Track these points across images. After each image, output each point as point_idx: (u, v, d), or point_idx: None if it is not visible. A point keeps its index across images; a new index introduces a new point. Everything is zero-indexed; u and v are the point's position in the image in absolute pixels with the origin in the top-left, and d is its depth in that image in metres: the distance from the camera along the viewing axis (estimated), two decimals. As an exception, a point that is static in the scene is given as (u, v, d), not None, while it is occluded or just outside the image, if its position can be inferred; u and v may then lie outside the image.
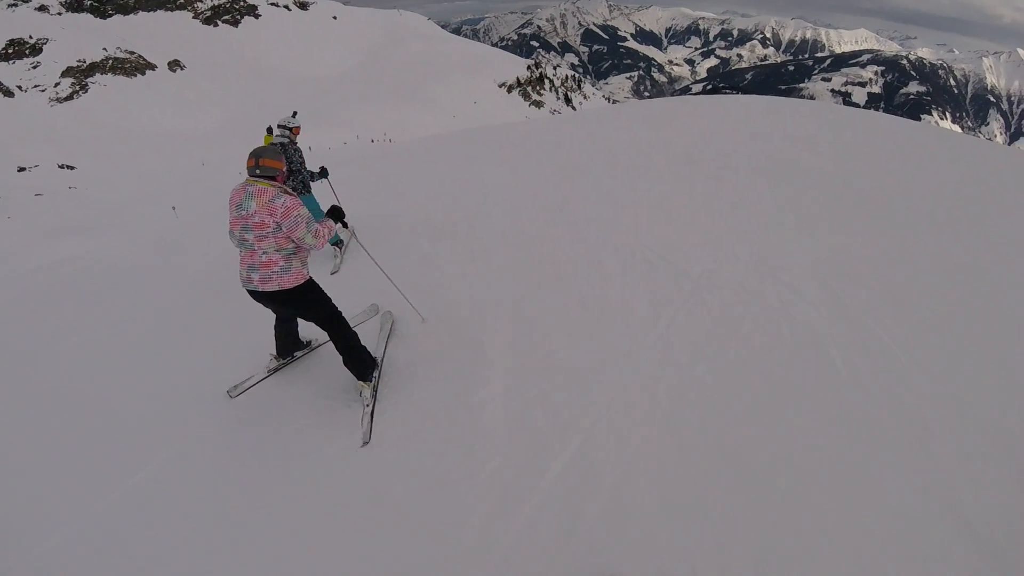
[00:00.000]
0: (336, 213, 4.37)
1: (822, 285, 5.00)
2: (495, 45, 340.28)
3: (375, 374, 4.32)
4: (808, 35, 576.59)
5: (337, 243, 7.32)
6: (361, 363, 4.19)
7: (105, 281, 7.50)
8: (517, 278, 5.59)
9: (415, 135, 79.39)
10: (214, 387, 4.49)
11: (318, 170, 7.20)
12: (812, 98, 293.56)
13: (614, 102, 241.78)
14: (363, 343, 4.28)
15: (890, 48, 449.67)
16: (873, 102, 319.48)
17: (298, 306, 4.03)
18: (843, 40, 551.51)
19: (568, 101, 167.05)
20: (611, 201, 7.66)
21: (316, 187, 8.06)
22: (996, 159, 12.55)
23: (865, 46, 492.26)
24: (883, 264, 5.47)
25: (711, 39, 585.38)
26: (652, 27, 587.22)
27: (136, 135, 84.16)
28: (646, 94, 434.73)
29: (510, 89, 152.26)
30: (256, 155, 3.72)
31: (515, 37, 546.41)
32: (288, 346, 4.66)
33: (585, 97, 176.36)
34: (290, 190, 3.87)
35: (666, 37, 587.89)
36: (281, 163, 3.79)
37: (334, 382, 4.39)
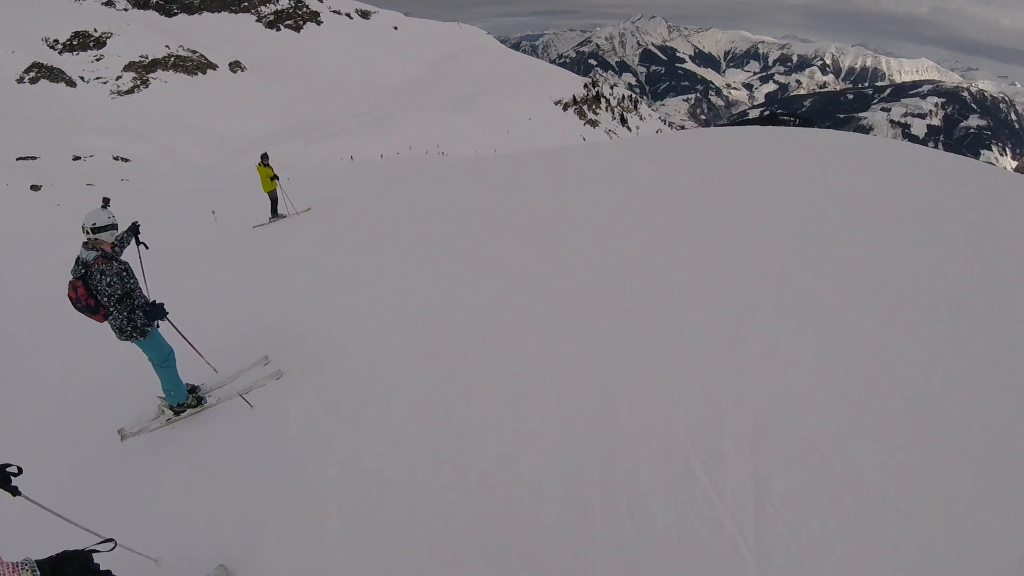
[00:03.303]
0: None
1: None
2: (553, 62, 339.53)
3: None
4: (868, 63, 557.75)
5: (194, 402, 4.93)
6: None
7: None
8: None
9: (467, 148, 78.58)
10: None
11: (127, 229, 4.94)
12: (870, 128, 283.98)
13: (671, 124, 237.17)
14: None
15: (951, 79, 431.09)
16: (932, 135, 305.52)
17: None
18: (904, 69, 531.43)
19: (624, 122, 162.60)
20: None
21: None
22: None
23: (926, 76, 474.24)
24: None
25: (770, 64, 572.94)
26: (711, 49, 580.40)
27: (193, 132, 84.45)
28: (703, 117, 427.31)
29: (566, 107, 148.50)
30: None
31: (573, 55, 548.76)
32: None
33: (641, 118, 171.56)
34: None
35: (725, 60, 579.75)
36: None
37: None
